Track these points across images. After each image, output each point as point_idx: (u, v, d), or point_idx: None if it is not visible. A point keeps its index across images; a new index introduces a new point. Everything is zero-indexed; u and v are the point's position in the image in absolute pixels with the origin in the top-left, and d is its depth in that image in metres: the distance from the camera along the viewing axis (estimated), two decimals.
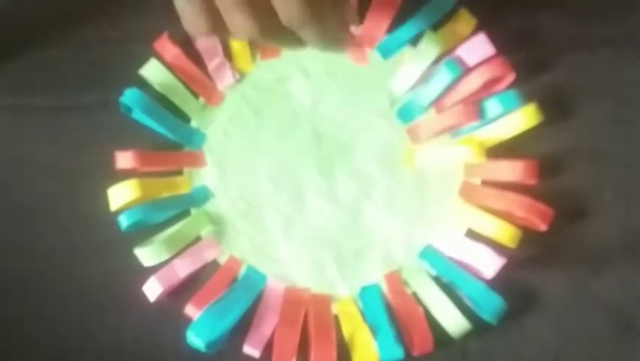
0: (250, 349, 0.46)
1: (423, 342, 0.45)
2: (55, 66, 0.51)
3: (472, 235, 0.47)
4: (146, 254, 0.47)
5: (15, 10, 0.51)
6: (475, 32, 0.49)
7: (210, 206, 0.49)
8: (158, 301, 0.47)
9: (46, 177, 0.50)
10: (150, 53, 0.50)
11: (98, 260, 0.48)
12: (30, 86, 0.51)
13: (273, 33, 0.38)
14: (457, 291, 0.47)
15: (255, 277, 0.48)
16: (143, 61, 0.50)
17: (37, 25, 0.51)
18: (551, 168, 0.48)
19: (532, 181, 0.47)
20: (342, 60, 0.51)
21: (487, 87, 0.48)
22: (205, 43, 0.50)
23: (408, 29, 0.48)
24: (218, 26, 0.38)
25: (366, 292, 0.47)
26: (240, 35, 0.38)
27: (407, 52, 0.50)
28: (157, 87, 0.49)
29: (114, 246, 0.48)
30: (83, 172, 0.49)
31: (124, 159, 0.48)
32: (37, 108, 0.50)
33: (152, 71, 0.49)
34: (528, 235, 0.46)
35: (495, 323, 0.46)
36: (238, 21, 0.37)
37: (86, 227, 0.49)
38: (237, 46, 0.51)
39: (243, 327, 0.46)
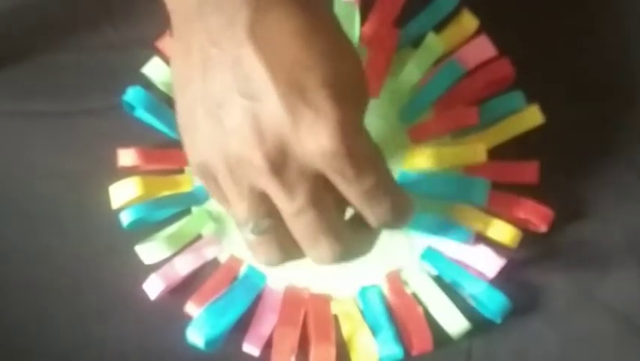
0: (250, 347, 0.46)
1: (422, 342, 0.45)
2: (58, 71, 0.51)
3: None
4: (147, 252, 0.47)
5: (17, 15, 0.51)
6: (477, 33, 0.49)
7: (211, 204, 0.49)
8: (159, 299, 0.47)
9: (49, 180, 0.49)
10: (153, 56, 0.50)
11: (99, 259, 0.48)
12: (32, 91, 0.51)
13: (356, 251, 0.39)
14: (460, 291, 0.47)
15: (256, 277, 0.48)
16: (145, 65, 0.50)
17: (40, 30, 0.51)
18: (553, 169, 0.48)
19: (533, 182, 0.47)
20: None
21: (489, 88, 0.49)
22: None
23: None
24: (293, 254, 0.38)
25: (367, 292, 0.47)
26: (322, 261, 0.37)
27: (409, 53, 0.50)
28: (159, 85, 0.49)
29: (115, 246, 0.48)
30: (85, 175, 0.49)
31: (126, 156, 0.48)
32: (40, 113, 0.50)
33: (155, 70, 0.49)
34: (529, 236, 0.46)
35: (500, 322, 0.46)
36: (322, 247, 0.36)
37: (87, 228, 0.49)
38: None
39: (242, 326, 0.46)
